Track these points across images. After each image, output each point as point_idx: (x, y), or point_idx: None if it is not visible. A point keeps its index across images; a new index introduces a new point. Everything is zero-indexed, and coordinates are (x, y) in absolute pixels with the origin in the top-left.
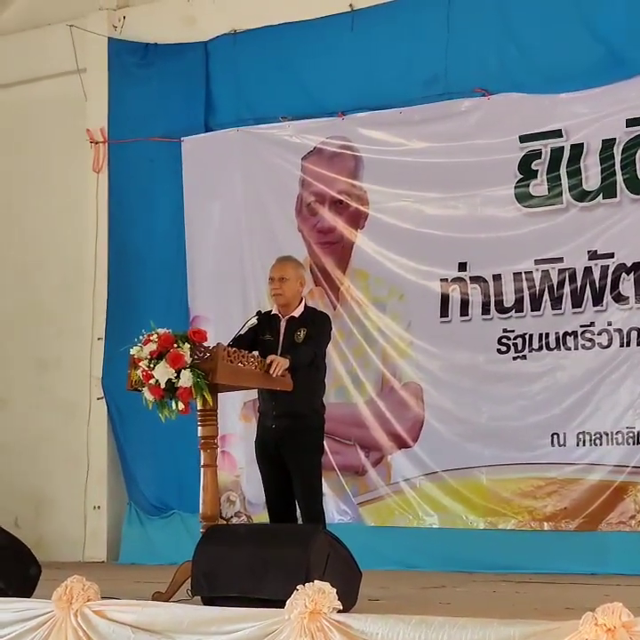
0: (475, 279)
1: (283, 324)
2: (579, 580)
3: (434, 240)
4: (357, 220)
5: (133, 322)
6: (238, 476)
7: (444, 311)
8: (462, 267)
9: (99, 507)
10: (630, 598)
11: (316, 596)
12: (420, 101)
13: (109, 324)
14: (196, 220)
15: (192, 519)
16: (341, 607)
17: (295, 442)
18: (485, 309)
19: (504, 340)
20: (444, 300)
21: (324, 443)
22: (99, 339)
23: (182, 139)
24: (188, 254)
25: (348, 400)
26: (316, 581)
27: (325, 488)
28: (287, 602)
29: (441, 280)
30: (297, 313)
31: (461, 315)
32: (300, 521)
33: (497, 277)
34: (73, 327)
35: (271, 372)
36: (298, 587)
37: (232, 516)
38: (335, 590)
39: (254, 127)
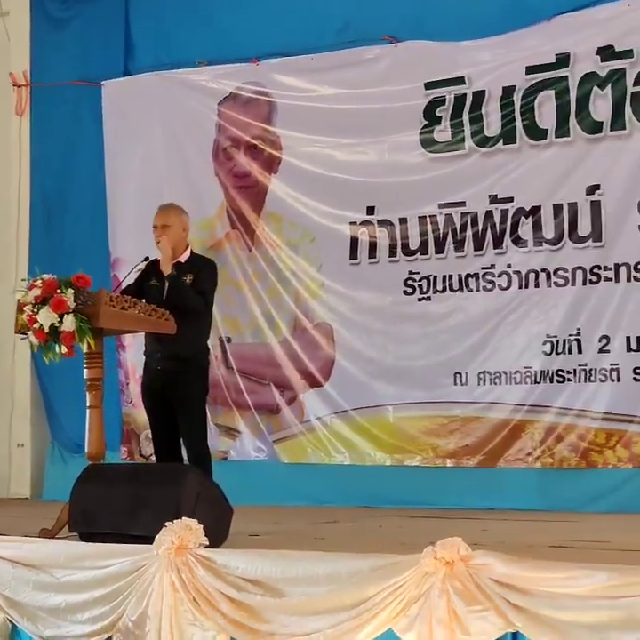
0: (382, 222)
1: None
2: (473, 515)
3: (344, 184)
4: (271, 164)
5: (56, 264)
6: None
7: (354, 254)
8: (370, 210)
9: (22, 445)
10: (519, 532)
11: (182, 532)
12: (332, 48)
13: (32, 266)
14: (117, 163)
15: (114, 457)
16: (208, 543)
17: (180, 383)
18: (392, 252)
19: (410, 282)
20: (354, 242)
21: (217, 381)
22: (22, 280)
23: (102, 82)
24: (108, 197)
25: (262, 340)
26: (183, 518)
27: (242, 426)
28: (156, 538)
29: (350, 223)
30: (183, 258)
31: (369, 257)
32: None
33: (403, 221)
34: None
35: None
36: (166, 523)
37: (151, 454)
38: (202, 526)
39: (172, 72)
